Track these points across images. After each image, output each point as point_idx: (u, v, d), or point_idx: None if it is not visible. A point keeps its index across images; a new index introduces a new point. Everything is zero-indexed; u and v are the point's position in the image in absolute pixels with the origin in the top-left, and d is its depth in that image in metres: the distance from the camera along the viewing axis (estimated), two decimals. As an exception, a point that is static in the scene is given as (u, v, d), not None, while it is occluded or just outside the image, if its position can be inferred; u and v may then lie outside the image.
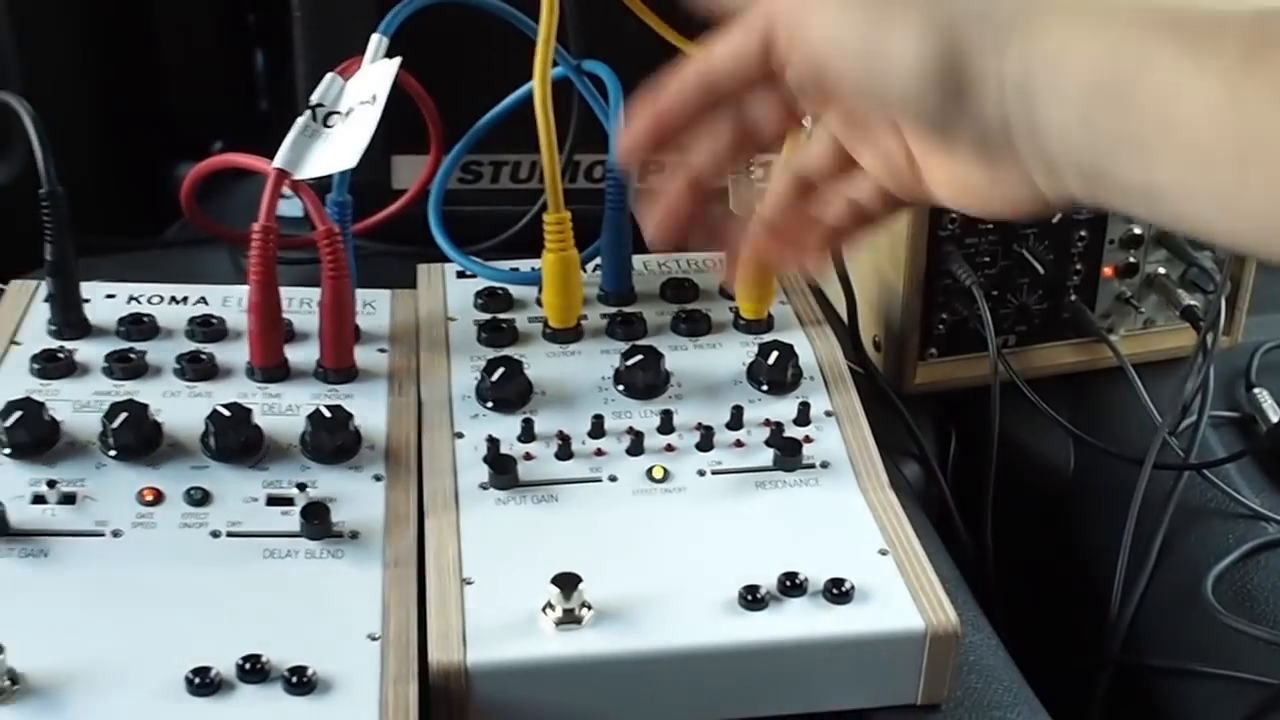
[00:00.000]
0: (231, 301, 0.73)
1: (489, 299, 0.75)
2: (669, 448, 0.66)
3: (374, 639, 0.56)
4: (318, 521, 0.60)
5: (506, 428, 0.66)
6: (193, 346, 0.69)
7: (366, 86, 0.68)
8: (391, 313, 0.74)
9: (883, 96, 0.52)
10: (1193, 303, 0.83)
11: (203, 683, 0.53)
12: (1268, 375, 0.84)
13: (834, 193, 0.59)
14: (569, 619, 0.57)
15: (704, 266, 0.77)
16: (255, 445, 0.64)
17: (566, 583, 0.57)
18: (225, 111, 1.23)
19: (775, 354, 0.69)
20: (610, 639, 0.56)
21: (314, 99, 0.68)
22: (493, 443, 0.65)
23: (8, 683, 0.52)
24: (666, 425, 0.67)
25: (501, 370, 0.68)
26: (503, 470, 0.64)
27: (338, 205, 0.72)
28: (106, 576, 0.58)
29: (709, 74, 0.58)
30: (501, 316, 0.73)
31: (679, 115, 0.58)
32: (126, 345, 0.69)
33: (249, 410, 0.64)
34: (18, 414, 0.62)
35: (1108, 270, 0.83)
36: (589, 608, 0.57)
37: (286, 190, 0.67)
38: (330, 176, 0.69)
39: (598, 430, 0.66)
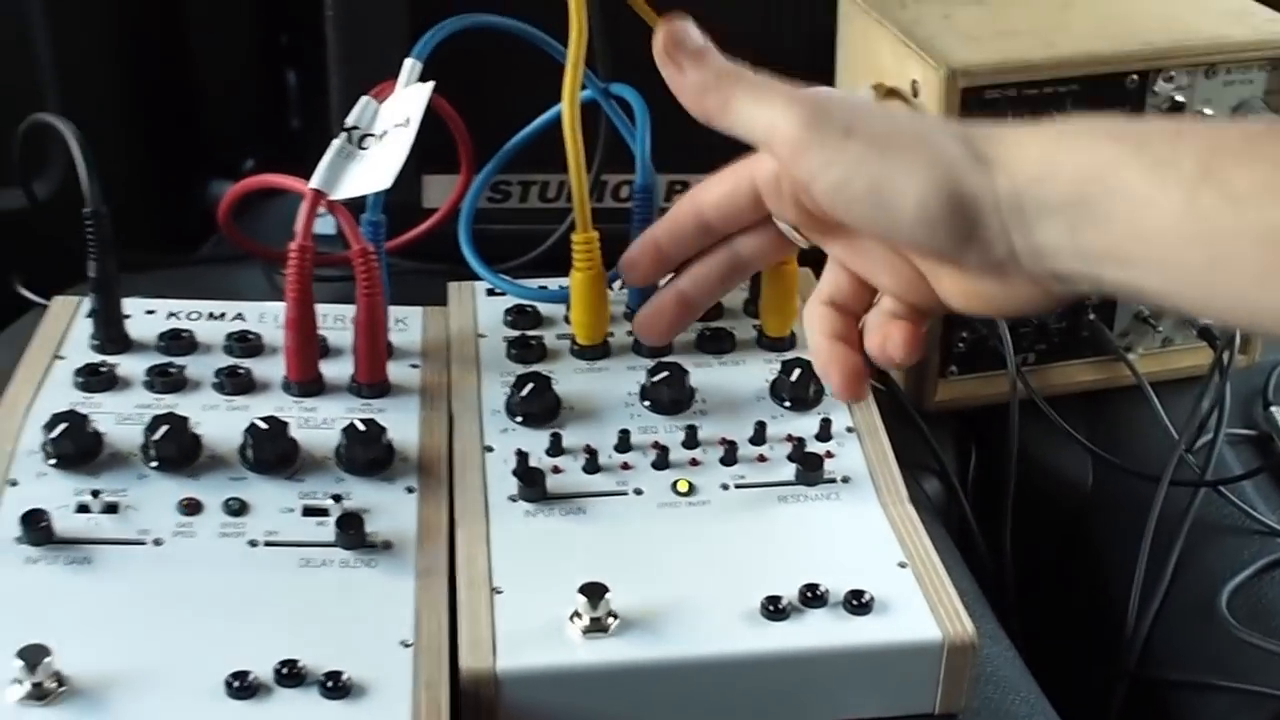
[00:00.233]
0: (268, 318, 0.75)
1: (518, 316, 0.76)
2: (694, 462, 0.68)
3: (406, 645, 0.58)
4: (352, 532, 0.62)
5: (535, 442, 0.68)
6: (230, 361, 0.71)
7: (400, 110, 0.70)
8: (423, 329, 0.76)
9: (893, 234, 0.55)
10: (1210, 322, 0.84)
11: (241, 686, 0.55)
12: (1285, 394, 0.86)
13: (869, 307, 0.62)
14: (596, 627, 0.58)
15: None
16: (291, 457, 0.66)
17: (594, 592, 0.58)
18: (257, 129, 1.25)
19: (798, 371, 0.71)
20: (636, 647, 0.58)
21: (349, 121, 0.70)
22: (522, 456, 0.67)
23: (55, 684, 0.54)
24: (691, 440, 0.68)
25: (530, 386, 0.69)
26: (531, 483, 0.65)
27: (372, 225, 0.73)
28: (148, 583, 0.60)
29: (702, 213, 0.63)
30: (530, 333, 0.75)
31: (674, 247, 0.66)
32: (166, 360, 0.71)
33: (285, 423, 0.66)
34: (63, 426, 0.64)
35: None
36: (615, 616, 0.59)
37: (321, 209, 0.69)
38: (365, 196, 0.71)
39: (624, 444, 0.68)
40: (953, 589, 0.61)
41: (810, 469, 0.67)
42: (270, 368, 0.71)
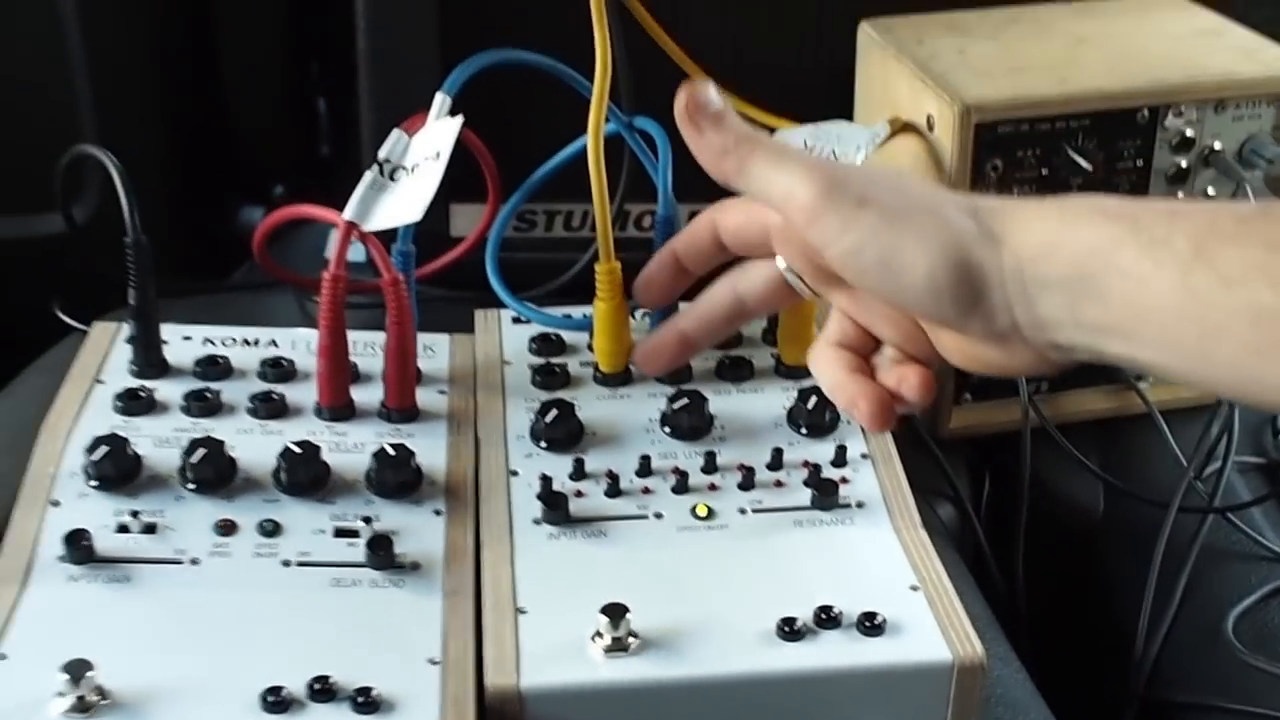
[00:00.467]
0: (300, 344, 0.77)
1: (542, 344, 0.78)
2: (712, 487, 0.70)
3: (434, 663, 0.60)
4: (382, 553, 0.64)
5: (559, 466, 0.70)
6: (264, 387, 0.73)
7: (431, 143, 0.72)
8: (450, 356, 0.78)
9: (901, 301, 0.58)
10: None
11: (275, 701, 0.57)
12: (1293, 423, 0.87)
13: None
14: (617, 646, 0.60)
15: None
16: (323, 480, 0.68)
17: (615, 612, 0.60)
18: (287, 157, 1.28)
19: (814, 399, 0.73)
20: (656, 666, 0.60)
21: (381, 155, 0.72)
22: (546, 480, 0.69)
23: (97, 698, 0.56)
24: (710, 466, 0.70)
25: (554, 412, 0.71)
26: (555, 506, 0.67)
27: (402, 254, 0.76)
28: (185, 601, 0.62)
29: (719, 234, 0.66)
30: (554, 361, 0.77)
31: (691, 261, 0.70)
32: (203, 385, 0.73)
33: (318, 447, 0.68)
34: (104, 449, 0.66)
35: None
36: (636, 636, 0.61)
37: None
38: (396, 227, 0.73)
39: (645, 470, 0.70)
40: (963, 611, 0.63)
41: (826, 494, 0.69)
42: (303, 393, 0.73)
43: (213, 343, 0.77)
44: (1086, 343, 0.55)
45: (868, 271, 0.58)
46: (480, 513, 0.68)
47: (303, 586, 0.63)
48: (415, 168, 0.72)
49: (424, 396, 0.74)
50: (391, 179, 0.72)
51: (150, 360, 0.74)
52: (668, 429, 0.73)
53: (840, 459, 0.71)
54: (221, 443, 0.68)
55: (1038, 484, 0.84)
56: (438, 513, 0.67)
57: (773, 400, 0.75)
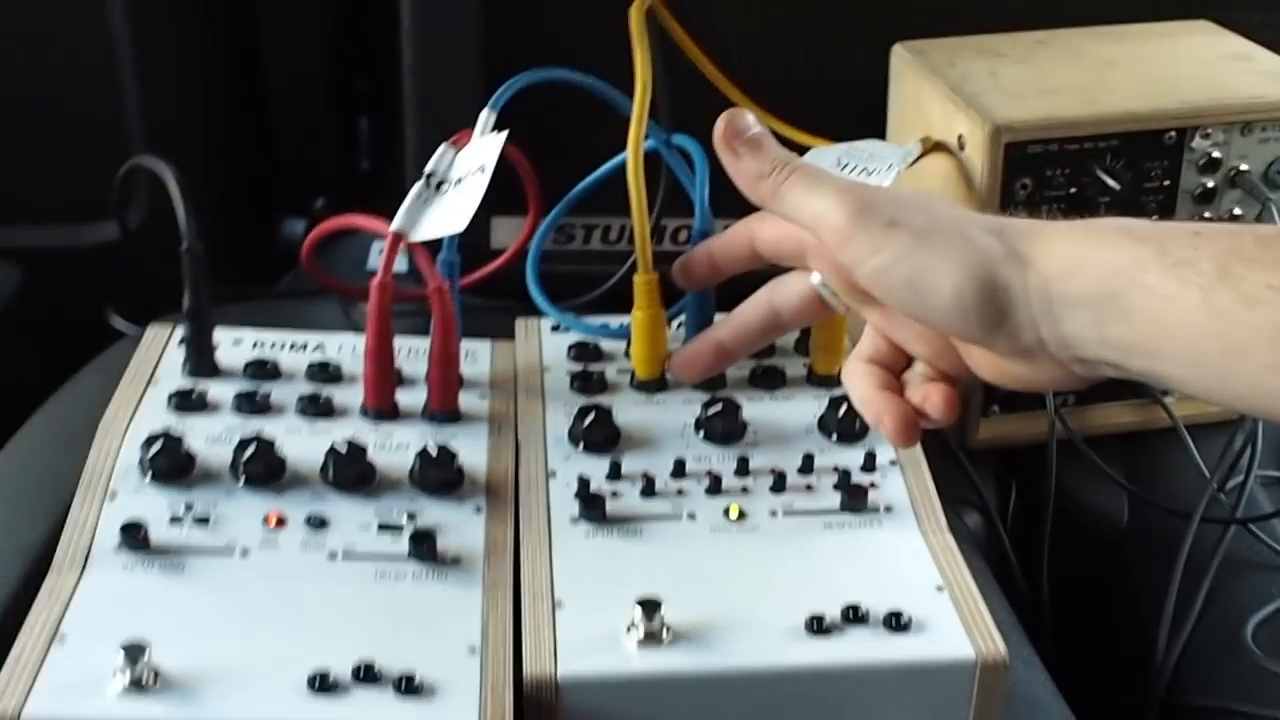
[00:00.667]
0: (346, 349, 0.80)
1: (581, 351, 0.81)
2: (744, 490, 0.72)
3: (474, 652, 0.62)
4: (425, 547, 0.66)
5: (596, 468, 0.72)
6: (312, 388, 0.76)
7: (476, 157, 0.75)
8: (491, 362, 0.81)
9: (928, 319, 0.60)
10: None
11: (322, 684, 0.59)
12: (1319, 438, 0.89)
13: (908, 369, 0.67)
14: (651, 639, 0.62)
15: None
16: (369, 478, 0.70)
17: (649, 605, 0.62)
18: (328, 172, 1.31)
19: (845, 406, 0.75)
20: (688, 658, 0.62)
21: (428, 168, 0.75)
22: (583, 481, 0.71)
23: (153, 678, 0.59)
24: (743, 469, 0.72)
25: (592, 416, 0.74)
26: (592, 506, 0.70)
27: (447, 264, 0.78)
28: (236, 590, 0.64)
29: (755, 244, 0.71)
30: (592, 368, 0.80)
31: (725, 262, 0.73)
32: (253, 386, 0.75)
33: (364, 446, 0.70)
34: (159, 445, 0.69)
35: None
36: (669, 629, 0.63)
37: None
38: (441, 238, 0.76)
39: (679, 472, 0.72)
40: (986, 611, 0.65)
41: (855, 498, 0.71)
42: (349, 395, 0.76)
43: (262, 346, 0.79)
44: (1111, 359, 0.57)
45: (896, 290, 0.60)
46: (519, 511, 0.70)
47: (348, 578, 0.65)
48: (460, 181, 0.75)
49: (466, 400, 0.76)
50: (437, 191, 0.75)
51: (203, 362, 0.77)
52: (702, 433, 0.75)
53: (869, 465, 0.73)
54: (272, 440, 0.70)
55: (1063, 494, 0.86)
56: (478, 510, 0.70)
57: (804, 408, 0.77)
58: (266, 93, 1.26)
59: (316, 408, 0.74)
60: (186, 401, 0.74)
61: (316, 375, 0.77)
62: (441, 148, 0.76)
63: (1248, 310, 0.52)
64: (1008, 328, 0.58)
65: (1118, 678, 0.81)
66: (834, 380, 0.79)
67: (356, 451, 0.70)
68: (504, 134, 0.75)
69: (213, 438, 0.72)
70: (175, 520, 0.67)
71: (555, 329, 0.83)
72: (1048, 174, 0.82)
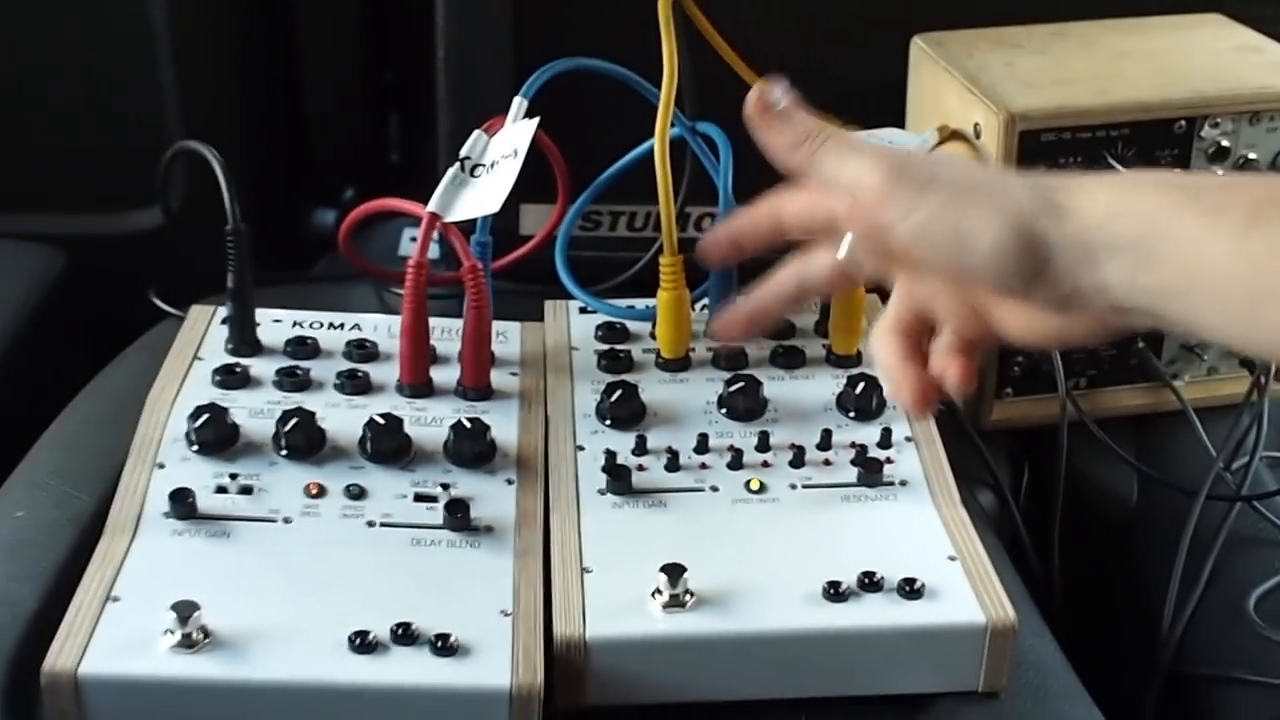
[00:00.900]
0: (382, 328, 0.83)
1: (608, 332, 0.84)
2: (765, 464, 0.75)
3: (506, 615, 0.65)
4: (459, 515, 0.69)
5: (622, 443, 0.75)
6: (350, 365, 0.79)
7: (509, 142, 0.78)
8: (522, 342, 0.84)
9: (968, 272, 0.61)
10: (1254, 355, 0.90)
11: (362, 643, 0.62)
12: (1326, 421, 0.91)
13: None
14: (675, 603, 0.65)
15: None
16: (405, 450, 0.73)
17: (674, 571, 0.65)
18: (358, 162, 1.34)
19: (862, 384, 0.77)
20: (710, 621, 0.65)
21: (463, 153, 0.78)
22: (610, 455, 0.74)
23: (201, 636, 0.62)
24: (763, 444, 0.75)
25: (619, 392, 0.77)
26: (619, 478, 0.73)
27: (480, 245, 0.81)
28: (279, 555, 0.67)
29: (781, 220, 0.69)
30: (619, 347, 0.82)
31: (750, 238, 0.71)
32: (293, 363, 0.79)
33: (400, 419, 0.73)
34: (205, 417, 0.72)
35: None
36: (692, 594, 0.66)
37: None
38: (474, 220, 0.79)
39: (702, 447, 0.75)
40: (997, 580, 0.68)
41: (871, 472, 0.74)
42: (385, 372, 0.79)
43: (301, 325, 0.82)
44: (1145, 304, 0.58)
45: (937, 247, 0.61)
46: (549, 482, 0.73)
47: (386, 545, 0.68)
48: (494, 165, 0.78)
49: (497, 377, 0.79)
50: (472, 175, 0.78)
51: (245, 339, 0.80)
52: (724, 410, 0.77)
53: (886, 441, 0.76)
54: (312, 413, 0.73)
55: (1075, 474, 0.89)
56: (510, 482, 0.73)
57: (823, 386, 0.80)
58: (300, 87, 1.29)
59: (354, 384, 0.77)
60: (230, 377, 0.77)
61: (354, 353, 0.80)
62: (475, 134, 0.79)
63: (1275, 258, 0.54)
64: (1046, 277, 0.59)
65: (1125, 649, 0.83)
66: (852, 360, 0.81)
67: (394, 424, 0.73)
68: (536, 120, 0.78)
69: (255, 411, 0.75)
70: (221, 489, 0.70)
71: (583, 310, 0.86)
72: (1061, 162, 0.84)
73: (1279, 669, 0.75)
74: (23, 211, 1.13)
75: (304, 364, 0.79)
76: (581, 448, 0.75)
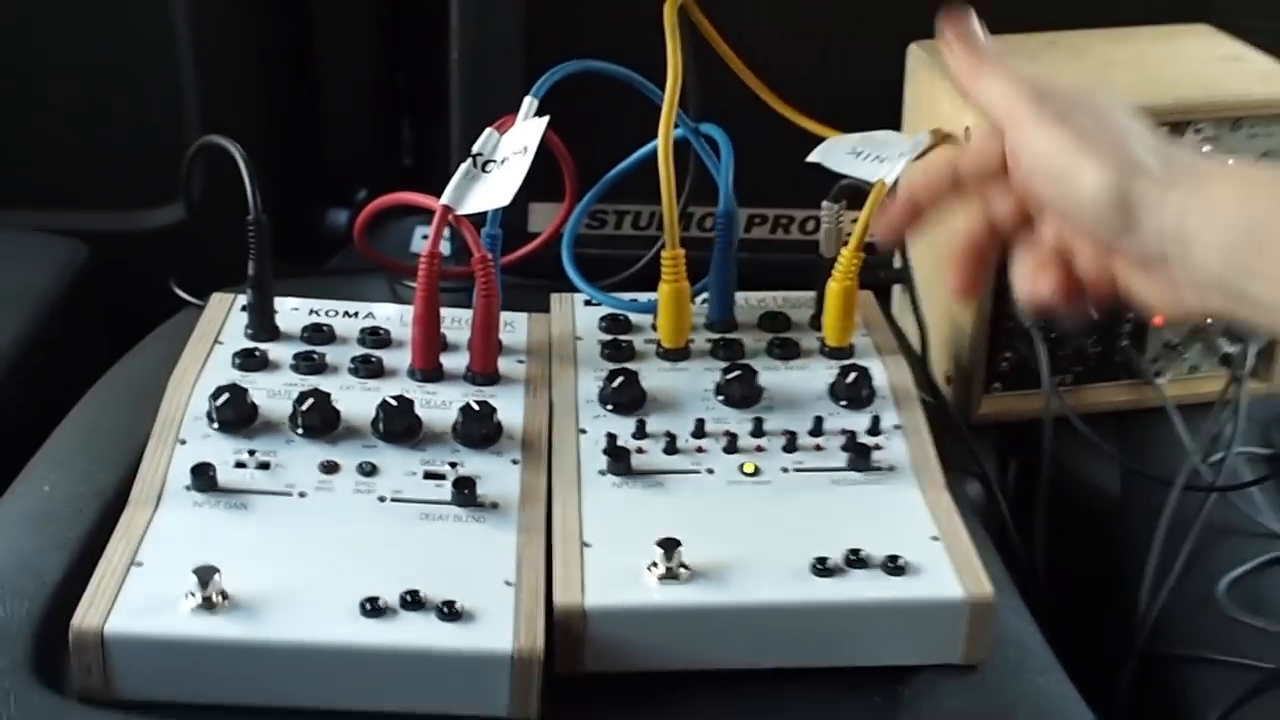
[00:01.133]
0: (395, 318, 0.86)
1: (611, 323, 0.87)
2: (759, 448, 0.78)
3: (509, 584, 0.68)
4: (466, 492, 0.73)
5: (623, 427, 0.79)
6: (364, 351, 0.82)
7: (519, 139, 0.81)
8: (528, 331, 0.87)
9: (1067, 210, 0.66)
10: (1231, 350, 0.93)
11: (372, 608, 0.66)
12: (1302, 417, 0.95)
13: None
14: (670, 575, 0.69)
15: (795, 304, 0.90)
16: (416, 430, 0.77)
17: (669, 545, 0.69)
18: (371, 165, 1.37)
19: (854, 374, 0.81)
20: (703, 593, 0.68)
21: (475, 148, 0.82)
22: (611, 438, 0.78)
23: (221, 599, 0.65)
24: (758, 430, 0.79)
25: (620, 379, 0.80)
26: (619, 459, 0.76)
27: (491, 237, 0.85)
28: (294, 527, 0.71)
29: (956, 164, 0.73)
30: (621, 338, 0.86)
31: (929, 196, 0.73)
32: (309, 348, 0.82)
33: (411, 401, 0.77)
34: (225, 396, 0.76)
35: (1157, 319, 0.94)
36: (686, 568, 0.69)
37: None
38: (485, 213, 0.82)
39: (699, 432, 0.78)
40: (977, 558, 0.71)
41: (860, 457, 0.77)
42: (398, 358, 0.82)
43: (318, 313, 0.86)
44: (1229, 281, 0.62)
45: (1048, 180, 0.66)
46: (552, 463, 0.77)
47: (396, 519, 0.72)
48: (505, 161, 0.81)
49: (504, 365, 0.83)
50: (484, 170, 0.81)
51: (264, 325, 0.83)
52: (721, 397, 0.81)
53: (875, 428, 0.79)
54: (328, 394, 0.77)
55: (1059, 468, 0.92)
56: (515, 462, 0.76)
57: (816, 376, 0.83)
58: (316, 90, 1.33)
59: (368, 368, 0.81)
60: (249, 360, 0.80)
61: (368, 339, 0.83)
62: (487, 131, 0.83)
63: None
64: (1136, 235, 0.64)
65: (1103, 631, 0.86)
66: (845, 352, 0.85)
67: (405, 405, 0.76)
68: (545, 119, 0.82)
69: (273, 393, 0.78)
70: (240, 465, 0.74)
71: (588, 303, 0.90)
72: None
73: (1247, 650, 0.78)
74: (46, 209, 1.16)
75: (320, 349, 0.82)
76: (584, 431, 0.79)
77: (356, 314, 0.86)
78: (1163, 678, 0.81)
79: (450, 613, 0.66)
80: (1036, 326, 0.90)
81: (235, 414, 0.76)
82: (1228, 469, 0.88)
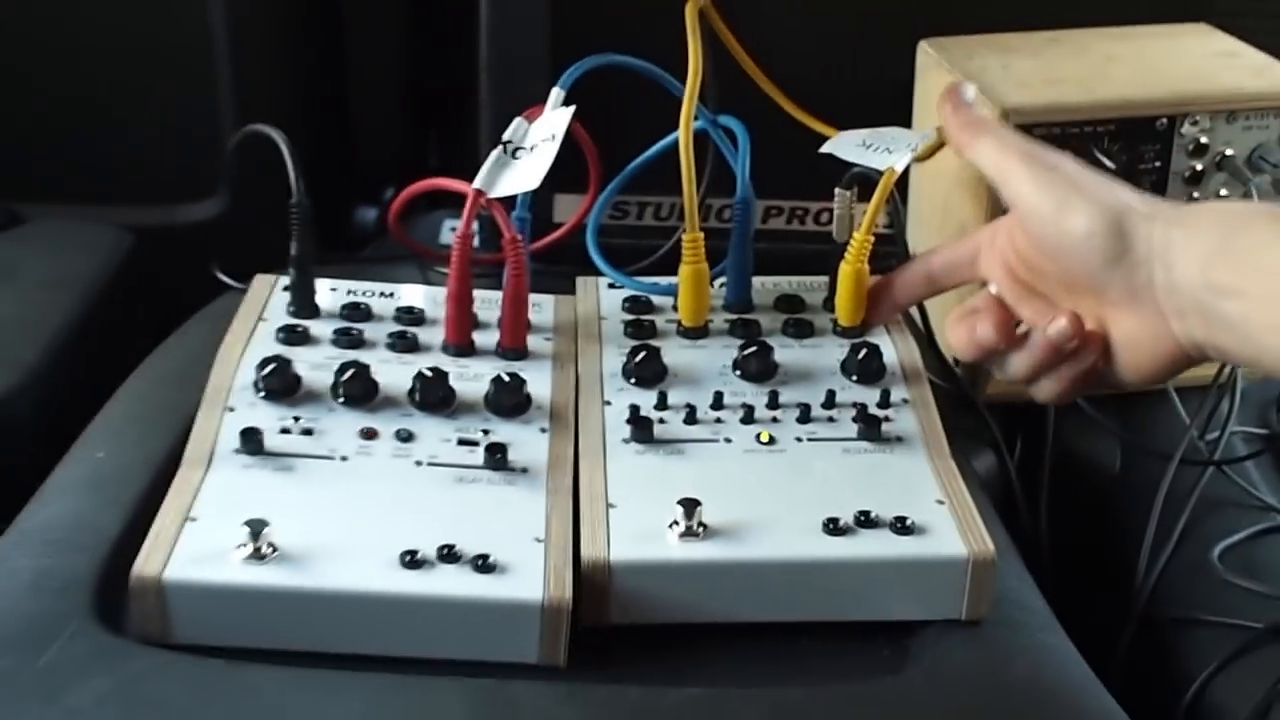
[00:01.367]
0: (428, 298, 0.90)
1: (634, 304, 0.91)
2: (774, 419, 0.82)
3: (539, 541, 0.73)
4: (498, 457, 0.77)
5: (646, 399, 0.83)
6: (399, 328, 0.87)
7: (547, 127, 0.86)
8: (555, 312, 0.91)
9: (1062, 247, 0.75)
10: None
11: (411, 560, 0.70)
12: (1299, 398, 0.99)
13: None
14: (690, 533, 0.73)
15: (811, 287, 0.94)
16: (450, 400, 0.81)
17: (689, 505, 0.73)
18: (399, 164, 1.42)
19: (864, 351, 0.85)
20: (721, 549, 0.73)
21: (505, 136, 0.86)
22: (634, 408, 0.82)
23: (270, 550, 0.70)
24: (773, 402, 0.83)
25: (643, 354, 0.84)
26: (641, 428, 0.80)
27: (520, 220, 0.89)
28: (337, 488, 0.75)
29: (931, 268, 0.85)
30: (644, 317, 0.90)
31: (902, 293, 0.88)
32: (348, 325, 0.87)
33: (446, 373, 0.81)
34: (271, 367, 0.80)
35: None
36: (705, 526, 0.73)
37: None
38: (514, 197, 0.87)
39: (718, 404, 0.83)
40: (980, 520, 0.75)
41: (870, 428, 0.81)
42: (432, 335, 0.86)
43: (355, 294, 0.90)
44: (1208, 303, 0.69)
45: (1045, 222, 0.74)
46: (579, 432, 0.81)
47: (432, 481, 0.76)
48: (533, 148, 0.86)
49: (532, 342, 0.87)
50: (513, 157, 0.86)
51: (305, 303, 0.88)
52: (739, 372, 0.85)
53: (885, 401, 0.84)
54: (367, 366, 0.81)
55: (1063, 446, 0.96)
56: (543, 430, 0.81)
57: (829, 353, 0.87)
58: (347, 90, 1.38)
59: (404, 343, 0.85)
60: (292, 335, 0.85)
61: (403, 317, 0.88)
62: (516, 120, 0.87)
63: None
64: (1126, 263, 0.71)
65: (1105, 597, 0.90)
66: (856, 331, 0.89)
67: (440, 376, 0.81)
68: (571, 108, 0.86)
69: (315, 365, 0.83)
70: (284, 430, 0.78)
71: (611, 286, 0.94)
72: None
73: (1238, 612, 0.82)
74: (92, 204, 1.22)
75: (358, 325, 0.87)
76: (608, 403, 0.83)
77: (392, 295, 0.91)
78: (1159, 639, 0.85)
79: (484, 565, 0.70)
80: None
81: (280, 384, 0.80)
82: (1225, 446, 0.92)
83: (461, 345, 0.85)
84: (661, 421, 0.82)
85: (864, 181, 0.89)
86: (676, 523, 0.73)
